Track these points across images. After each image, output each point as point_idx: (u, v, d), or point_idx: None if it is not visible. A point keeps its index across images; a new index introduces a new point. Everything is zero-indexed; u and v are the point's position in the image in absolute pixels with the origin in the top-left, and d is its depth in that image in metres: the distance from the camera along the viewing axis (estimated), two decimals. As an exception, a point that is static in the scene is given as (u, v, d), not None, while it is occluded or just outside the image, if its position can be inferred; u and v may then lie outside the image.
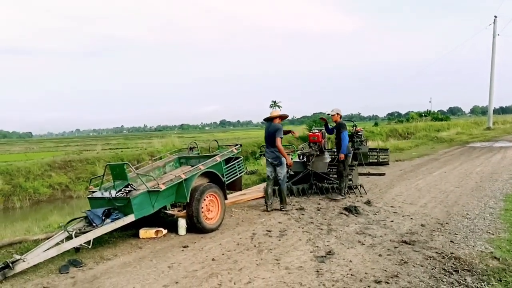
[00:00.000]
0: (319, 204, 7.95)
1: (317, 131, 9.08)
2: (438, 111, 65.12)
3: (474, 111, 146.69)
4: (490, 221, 6.32)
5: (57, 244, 5.10)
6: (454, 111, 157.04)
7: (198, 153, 7.84)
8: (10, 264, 4.49)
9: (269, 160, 7.45)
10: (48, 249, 4.95)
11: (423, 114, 48.38)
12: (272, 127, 7.38)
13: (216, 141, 7.92)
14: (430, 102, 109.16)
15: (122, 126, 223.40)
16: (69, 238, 5.19)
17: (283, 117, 7.70)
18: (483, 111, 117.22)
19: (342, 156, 8.19)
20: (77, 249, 5.33)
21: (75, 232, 5.24)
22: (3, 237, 6.30)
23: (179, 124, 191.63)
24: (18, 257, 4.63)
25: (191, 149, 7.84)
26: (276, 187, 7.65)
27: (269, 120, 7.56)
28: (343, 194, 8.33)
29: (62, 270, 4.77)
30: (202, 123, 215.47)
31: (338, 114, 8.52)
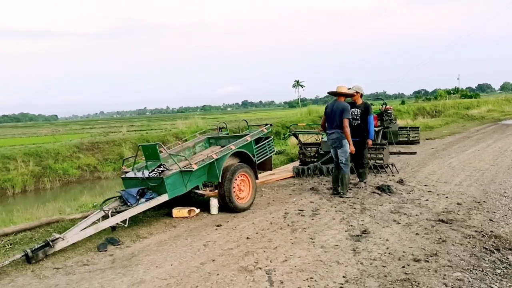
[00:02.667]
0: (350, 183, 7.84)
1: None
2: (466, 88, 63.41)
3: (505, 87, 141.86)
4: (530, 200, 6.13)
5: (94, 223, 5.17)
6: (483, 88, 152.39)
7: (227, 133, 7.82)
8: (50, 243, 4.58)
9: (329, 141, 7.00)
10: (85, 228, 5.03)
11: (452, 92, 47.12)
12: (338, 105, 6.82)
13: (246, 120, 7.86)
14: (458, 79, 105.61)
15: (145, 108, 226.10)
16: (105, 217, 5.25)
17: (348, 96, 7.12)
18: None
19: (370, 142, 7.48)
20: (113, 228, 5.40)
21: (111, 212, 5.31)
22: (37, 217, 6.46)
23: (201, 105, 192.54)
24: (57, 235, 4.72)
25: (220, 129, 7.82)
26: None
27: (334, 95, 7.02)
28: (365, 182, 7.61)
29: (100, 248, 4.86)
30: (224, 104, 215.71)
31: (358, 92, 7.48)
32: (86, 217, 5.51)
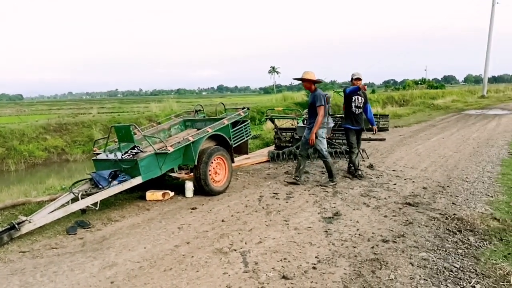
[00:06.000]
0: (323, 167, 7.97)
1: None
2: (433, 79, 65.20)
3: (468, 79, 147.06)
4: (489, 185, 6.44)
5: (63, 205, 5.05)
6: (449, 80, 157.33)
7: (204, 116, 7.76)
8: (16, 225, 4.44)
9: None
10: (54, 210, 4.91)
11: (419, 82, 48.44)
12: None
13: (223, 104, 7.80)
14: (425, 70, 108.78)
15: (117, 89, 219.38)
16: (74, 200, 5.14)
17: (316, 82, 6.65)
18: (477, 80, 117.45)
19: (376, 128, 7.64)
20: (83, 211, 5.25)
21: (81, 194, 5.17)
22: (0, 199, 6.24)
23: (175, 89, 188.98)
24: (23, 218, 4.58)
25: (196, 112, 7.75)
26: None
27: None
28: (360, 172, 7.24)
29: (70, 231, 4.75)
30: (199, 88, 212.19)
31: (360, 79, 7.10)
32: (54, 199, 5.36)
